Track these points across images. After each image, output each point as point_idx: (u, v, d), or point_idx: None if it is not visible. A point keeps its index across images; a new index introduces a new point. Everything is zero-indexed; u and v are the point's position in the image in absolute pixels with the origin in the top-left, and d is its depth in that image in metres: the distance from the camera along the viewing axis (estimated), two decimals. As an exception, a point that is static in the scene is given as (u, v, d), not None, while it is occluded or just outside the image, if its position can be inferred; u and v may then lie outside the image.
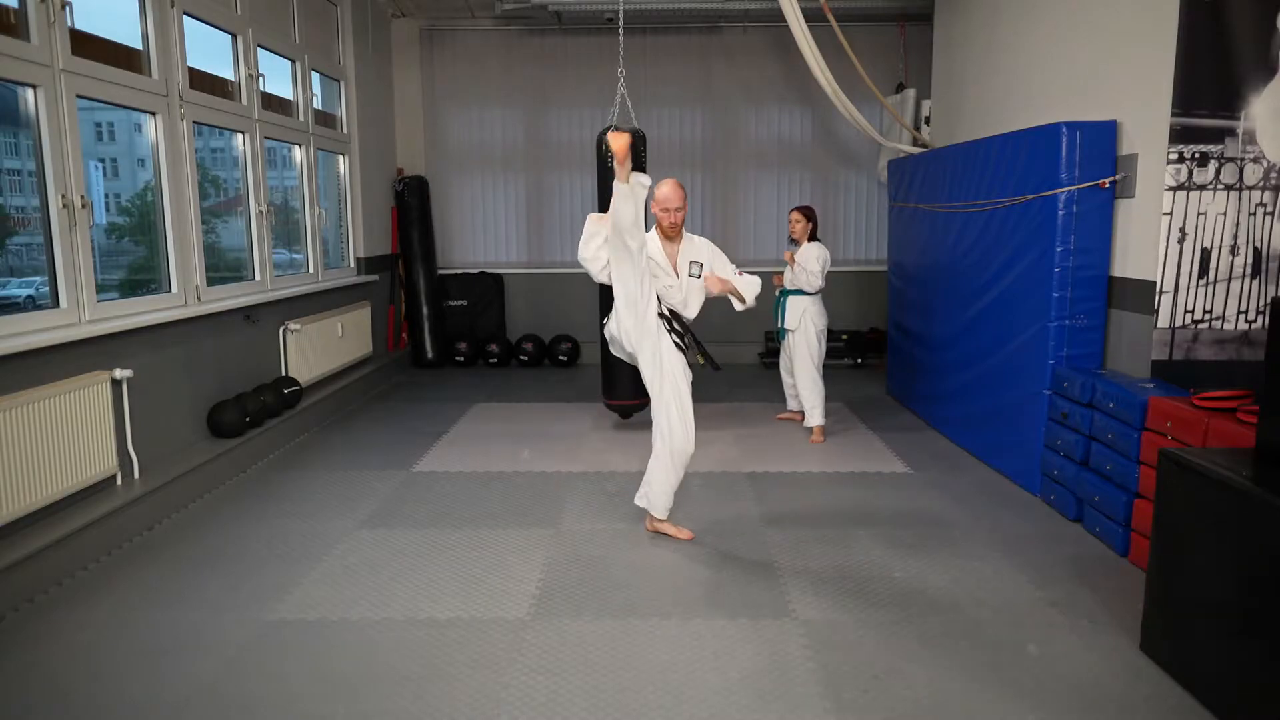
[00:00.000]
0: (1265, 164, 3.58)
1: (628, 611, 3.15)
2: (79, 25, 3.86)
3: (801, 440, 5.51)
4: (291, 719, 2.51)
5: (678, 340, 3.72)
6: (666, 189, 3.63)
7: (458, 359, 8.27)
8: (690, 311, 3.80)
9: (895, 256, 6.66)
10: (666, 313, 3.71)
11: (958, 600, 3.23)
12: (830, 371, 7.00)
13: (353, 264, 7.30)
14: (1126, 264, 4.20)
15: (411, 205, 7.98)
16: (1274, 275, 3.61)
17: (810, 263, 5.41)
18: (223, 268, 5.45)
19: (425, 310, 8.09)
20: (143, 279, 4.67)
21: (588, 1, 7.19)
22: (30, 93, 3.64)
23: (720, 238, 8.38)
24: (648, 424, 3.93)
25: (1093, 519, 3.84)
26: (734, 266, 3.83)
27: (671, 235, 3.70)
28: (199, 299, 4.77)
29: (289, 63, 6.17)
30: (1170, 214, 3.76)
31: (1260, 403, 2.62)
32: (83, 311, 3.86)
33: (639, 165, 5.39)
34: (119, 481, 3.98)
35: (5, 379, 3.35)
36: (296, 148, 6.31)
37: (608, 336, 3.85)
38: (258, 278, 5.55)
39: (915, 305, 6.18)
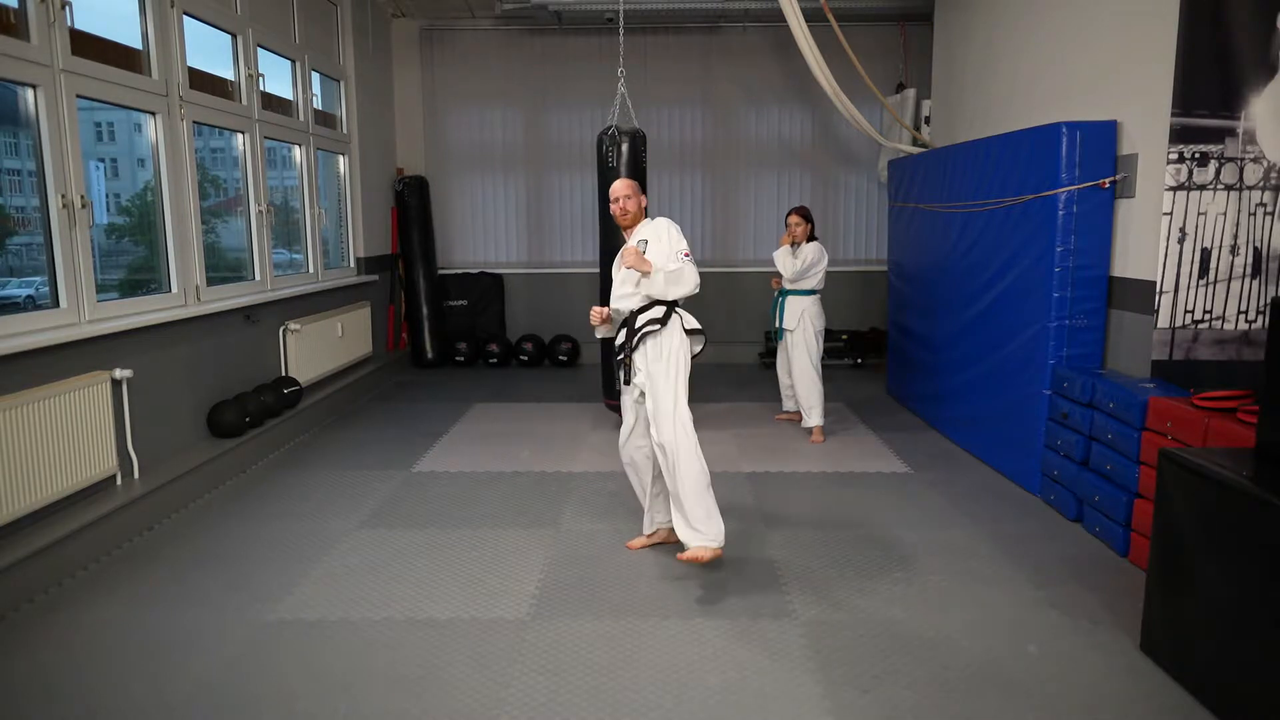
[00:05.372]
0: (1265, 164, 3.58)
1: (628, 611, 3.15)
2: (79, 25, 3.86)
3: (801, 440, 5.51)
4: (291, 719, 2.51)
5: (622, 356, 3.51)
6: (615, 182, 3.61)
7: (458, 359, 8.27)
8: (631, 300, 3.47)
9: (895, 256, 6.66)
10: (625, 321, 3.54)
11: (958, 601, 3.22)
12: (830, 371, 7.02)
13: (353, 264, 7.30)
14: (1126, 264, 4.20)
15: (411, 205, 7.98)
16: (1274, 275, 3.61)
17: (815, 257, 5.46)
18: (223, 268, 5.45)
19: (425, 310, 8.09)
20: (143, 279, 4.67)
21: (588, 1, 7.19)
22: (30, 93, 3.64)
23: (720, 238, 8.44)
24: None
25: (1093, 519, 3.84)
26: (679, 250, 3.43)
27: (625, 225, 3.58)
28: (199, 299, 4.77)
29: (289, 63, 6.17)
30: (1170, 214, 3.76)
31: (1260, 403, 2.62)
32: (83, 311, 3.86)
33: (639, 166, 5.39)
34: (119, 481, 3.98)
35: (5, 379, 3.35)
36: (296, 148, 6.31)
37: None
38: (258, 278, 5.55)
39: (915, 305, 6.18)
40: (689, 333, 3.46)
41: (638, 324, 3.43)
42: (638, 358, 3.44)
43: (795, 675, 2.71)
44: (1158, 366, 3.86)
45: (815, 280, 5.55)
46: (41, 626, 3.03)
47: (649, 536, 3.75)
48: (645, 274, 3.37)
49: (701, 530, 3.28)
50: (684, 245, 3.45)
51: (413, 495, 4.46)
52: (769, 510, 4.22)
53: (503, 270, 8.56)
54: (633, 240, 3.53)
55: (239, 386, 5.11)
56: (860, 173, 8.35)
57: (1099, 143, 4.19)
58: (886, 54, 8.00)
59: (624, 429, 3.64)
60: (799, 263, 5.46)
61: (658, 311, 3.42)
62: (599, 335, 3.71)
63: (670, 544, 3.72)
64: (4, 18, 3.54)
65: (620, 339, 3.53)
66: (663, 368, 3.37)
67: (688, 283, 3.37)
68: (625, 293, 3.49)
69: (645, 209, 3.62)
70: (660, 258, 3.41)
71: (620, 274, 3.55)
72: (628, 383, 3.48)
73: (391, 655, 2.84)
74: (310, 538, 3.86)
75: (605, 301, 3.73)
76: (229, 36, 5.31)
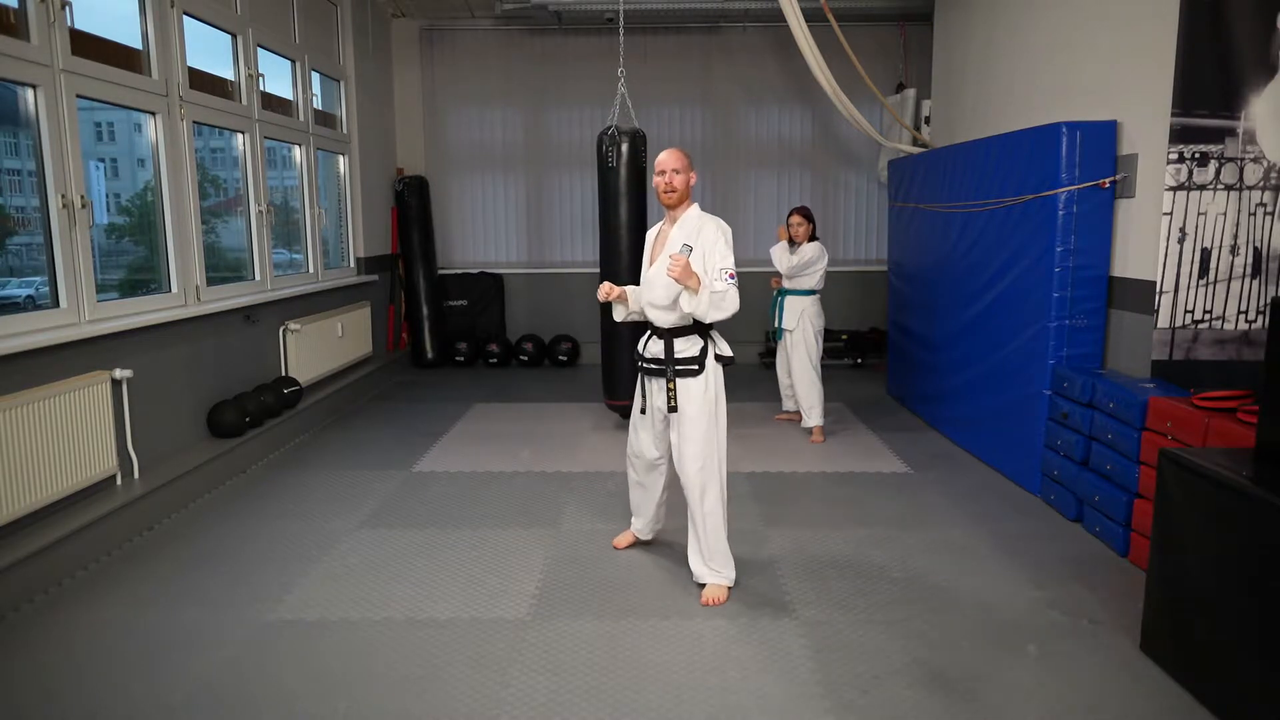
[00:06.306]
0: (1265, 164, 3.58)
1: (628, 611, 3.15)
2: (79, 25, 3.86)
3: (801, 440, 5.51)
4: (291, 719, 2.51)
5: (648, 365, 3.28)
6: (663, 153, 3.25)
7: (458, 359, 8.27)
8: (658, 305, 3.22)
9: (895, 256, 6.66)
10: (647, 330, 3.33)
11: (958, 600, 3.23)
12: (830, 371, 7.01)
13: (353, 264, 7.30)
14: (1126, 264, 4.20)
15: (411, 205, 7.98)
16: (1274, 275, 3.61)
17: (814, 255, 5.48)
18: (223, 268, 5.44)
19: (425, 310, 8.09)
20: (143, 279, 4.67)
21: (588, 1, 7.19)
22: (30, 93, 3.64)
23: (720, 238, 8.42)
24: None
25: (1093, 519, 3.84)
26: (725, 269, 3.12)
27: (669, 204, 3.25)
28: (199, 299, 4.77)
29: (289, 63, 6.17)
30: (1170, 214, 3.76)
31: (1260, 403, 2.62)
32: (83, 311, 3.86)
33: (639, 166, 5.39)
34: (119, 481, 3.98)
35: (5, 379, 3.35)
36: (296, 148, 6.31)
37: None
38: (258, 278, 5.55)
39: (915, 305, 6.18)
40: (717, 358, 3.27)
41: (675, 354, 3.21)
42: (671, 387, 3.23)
43: (795, 675, 2.71)
44: (1158, 366, 3.86)
45: (815, 280, 5.55)
46: (41, 626, 3.03)
47: (636, 535, 3.74)
48: (691, 289, 3.08)
49: (717, 570, 3.27)
50: (730, 263, 3.13)
51: (413, 495, 4.46)
52: (769, 510, 4.22)
53: (503, 270, 8.56)
54: (676, 228, 3.23)
55: (239, 386, 5.11)
56: (860, 173, 8.35)
57: (1099, 143, 4.19)
58: (886, 54, 8.00)
59: (636, 445, 3.46)
60: (795, 259, 5.47)
61: (694, 347, 3.21)
62: (617, 316, 3.43)
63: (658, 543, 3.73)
64: (4, 18, 3.54)
65: (648, 350, 3.29)
66: (697, 406, 3.19)
67: (729, 309, 3.12)
68: (657, 303, 3.22)
69: (692, 186, 3.27)
70: (702, 272, 3.11)
71: (654, 273, 3.22)
72: (673, 410, 3.22)
73: (391, 655, 2.84)
74: (310, 538, 3.86)
75: (608, 309, 3.56)
76: (229, 36, 5.31)
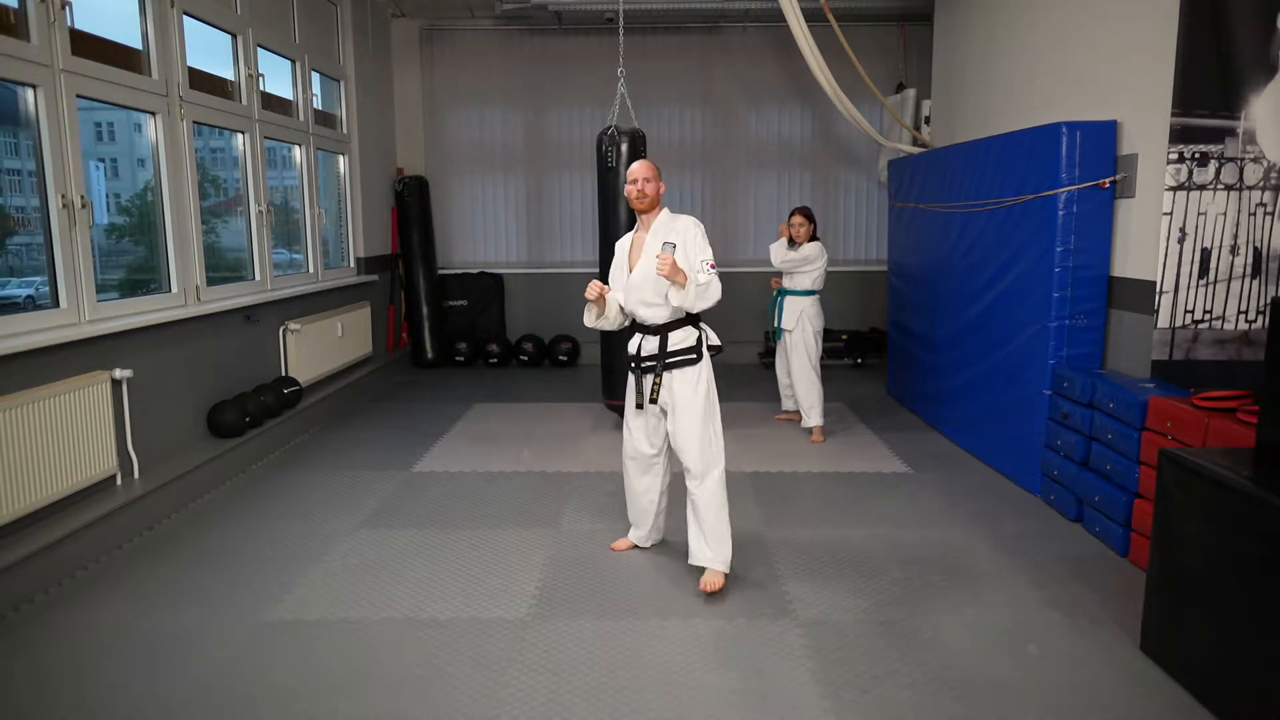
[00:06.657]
0: (1265, 164, 3.58)
1: (628, 611, 3.15)
2: (79, 25, 3.86)
3: (801, 440, 5.51)
4: (291, 719, 2.51)
5: (645, 364, 3.40)
6: (634, 164, 3.39)
7: (458, 359, 8.27)
8: (650, 302, 3.35)
9: (895, 256, 6.66)
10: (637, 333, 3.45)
11: (957, 600, 3.22)
12: (830, 371, 7.02)
13: (353, 264, 7.30)
14: (1126, 264, 4.20)
15: (411, 205, 7.98)
16: (1274, 275, 3.61)
17: (813, 254, 5.49)
18: (223, 268, 5.44)
19: (425, 310, 8.09)
20: (143, 279, 4.67)
21: (588, 1, 7.19)
22: (30, 93, 3.64)
23: (720, 238, 8.42)
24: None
25: (1093, 519, 3.84)
26: (705, 260, 3.27)
27: (641, 209, 3.38)
28: (199, 299, 4.77)
29: (289, 63, 6.17)
30: (1170, 214, 3.76)
31: (1260, 403, 2.62)
32: (83, 311, 3.86)
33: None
34: (119, 481, 3.98)
35: (5, 379, 3.35)
36: (296, 148, 6.31)
37: None
38: (258, 278, 5.55)
39: (915, 305, 6.18)
40: (709, 347, 3.41)
41: (669, 347, 3.33)
42: (665, 378, 3.34)
43: (795, 675, 2.71)
44: (1158, 366, 3.86)
45: (814, 280, 5.55)
46: (41, 626, 3.03)
47: (635, 544, 3.75)
48: (678, 284, 3.18)
49: (716, 552, 3.32)
50: (709, 254, 3.29)
51: (413, 495, 4.46)
52: (769, 510, 4.22)
53: (503, 270, 8.56)
54: (650, 234, 3.36)
55: (239, 386, 5.11)
56: (860, 173, 8.35)
57: (1099, 142, 4.19)
58: (886, 54, 8.00)
59: (631, 445, 3.54)
60: (793, 255, 5.49)
61: (689, 338, 3.34)
62: (588, 321, 3.49)
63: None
64: (4, 18, 3.54)
65: (640, 348, 3.40)
66: (691, 393, 3.32)
67: (714, 296, 3.28)
68: (649, 300, 3.35)
69: (662, 195, 3.42)
70: (686, 267, 3.24)
71: (639, 276, 3.36)
72: (654, 401, 3.35)
73: (391, 655, 2.84)
74: (310, 538, 3.86)
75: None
76: (229, 36, 5.31)
